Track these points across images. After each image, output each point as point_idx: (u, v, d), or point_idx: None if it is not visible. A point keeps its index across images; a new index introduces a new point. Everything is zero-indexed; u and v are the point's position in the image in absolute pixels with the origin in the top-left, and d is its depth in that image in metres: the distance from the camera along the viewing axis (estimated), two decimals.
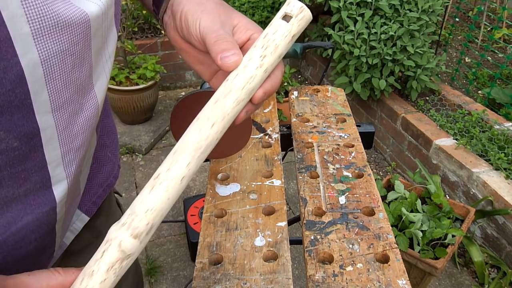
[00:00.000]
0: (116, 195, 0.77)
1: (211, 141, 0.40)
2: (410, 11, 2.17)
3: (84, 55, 0.40)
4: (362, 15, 2.23)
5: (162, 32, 2.99)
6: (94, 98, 0.45)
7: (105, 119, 0.62)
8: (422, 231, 1.52)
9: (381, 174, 2.45)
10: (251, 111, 0.44)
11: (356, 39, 2.22)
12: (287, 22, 0.41)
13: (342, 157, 0.80)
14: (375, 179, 1.17)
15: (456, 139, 2.10)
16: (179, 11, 0.46)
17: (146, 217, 0.37)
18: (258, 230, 0.64)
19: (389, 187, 1.80)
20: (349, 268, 0.58)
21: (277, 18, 0.41)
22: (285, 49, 0.41)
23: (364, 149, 0.85)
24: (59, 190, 0.44)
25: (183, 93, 3.20)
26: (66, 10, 0.35)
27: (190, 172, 0.39)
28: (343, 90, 1.04)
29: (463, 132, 2.14)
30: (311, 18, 0.42)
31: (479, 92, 2.67)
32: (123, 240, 0.36)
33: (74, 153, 0.44)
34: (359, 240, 0.63)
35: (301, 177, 0.76)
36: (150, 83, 2.58)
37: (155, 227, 0.38)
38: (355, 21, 2.23)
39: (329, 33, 2.33)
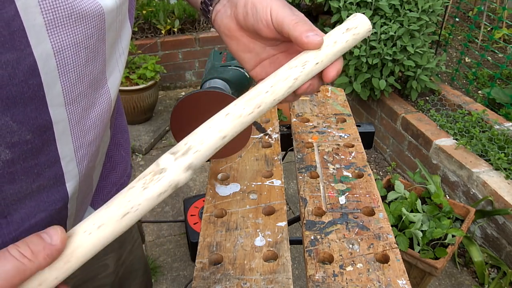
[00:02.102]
0: None
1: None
2: (410, 11, 2.17)
3: (98, 48, 0.40)
4: None
5: (162, 32, 2.99)
6: (107, 93, 0.45)
7: (118, 117, 0.62)
8: (422, 231, 1.52)
9: (381, 174, 2.45)
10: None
11: None
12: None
13: (342, 157, 0.80)
14: (375, 179, 1.17)
15: (456, 139, 2.10)
16: (242, 0, 0.49)
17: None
18: (258, 230, 0.64)
19: (389, 187, 1.80)
20: (349, 268, 0.58)
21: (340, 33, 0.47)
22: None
23: (364, 149, 0.85)
24: (71, 186, 0.44)
25: (183, 93, 3.20)
26: (81, 2, 0.35)
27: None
28: (343, 90, 1.04)
29: (463, 132, 2.14)
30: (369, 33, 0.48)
31: (479, 92, 2.67)
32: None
33: (86, 148, 0.44)
34: (359, 240, 0.63)
35: (301, 177, 0.76)
36: (150, 83, 2.58)
37: None
38: None
39: None
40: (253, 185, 0.73)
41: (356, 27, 0.46)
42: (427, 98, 2.47)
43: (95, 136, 0.45)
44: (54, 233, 0.35)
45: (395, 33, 2.13)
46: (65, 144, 0.41)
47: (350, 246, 0.62)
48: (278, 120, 0.92)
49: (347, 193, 0.72)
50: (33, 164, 0.39)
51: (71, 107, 0.39)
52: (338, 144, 0.84)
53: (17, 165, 0.38)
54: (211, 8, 0.53)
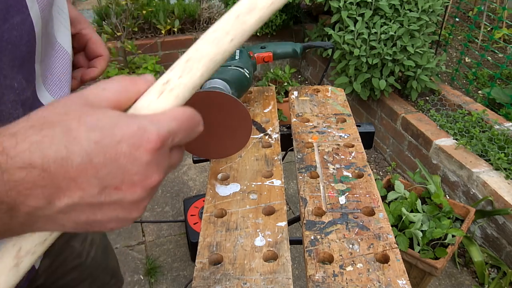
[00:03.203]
0: None
1: (226, 56, 0.39)
2: (410, 11, 2.17)
3: (50, 10, 0.45)
4: (362, 15, 2.23)
5: (162, 32, 2.99)
6: (63, 49, 0.50)
7: None
8: (422, 231, 1.52)
9: (381, 174, 2.45)
10: None
11: (356, 39, 2.22)
12: None
13: (342, 157, 0.80)
14: (375, 179, 1.17)
15: (456, 139, 2.10)
16: None
17: None
18: (258, 230, 0.64)
19: (389, 187, 1.80)
20: (349, 268, 0.58)
21: None
22: None
23: (364, 149, 0.85)
24: None
25: None
26: None
27: (202, 82, 0.38)
28: (343, 90, 1.03)
29: (463, 132, 2.14)
30: None
31: (479, 92, 2.67)
32: None
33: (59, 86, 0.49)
34: (359, 240, 0.62)
35: (301, 177, 0.76)
36: None
37: None
38: (355, 21, 2.23)
39: (329, 33, 2.33)
40: (253, 185, 0.73)
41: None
42: (427, 98, 2.47)
43: (63, 78, 0.50)
44: (148, 75, 0.38)
45: (395, 33, 2.13)
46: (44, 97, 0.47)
47: (350, 246, 0.62)
48: (278, 120, 0.92)
49: (347, 193, 0.72)
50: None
51: (42, 64, 0.45)
52: (338, 144, 0.84)
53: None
54: None
